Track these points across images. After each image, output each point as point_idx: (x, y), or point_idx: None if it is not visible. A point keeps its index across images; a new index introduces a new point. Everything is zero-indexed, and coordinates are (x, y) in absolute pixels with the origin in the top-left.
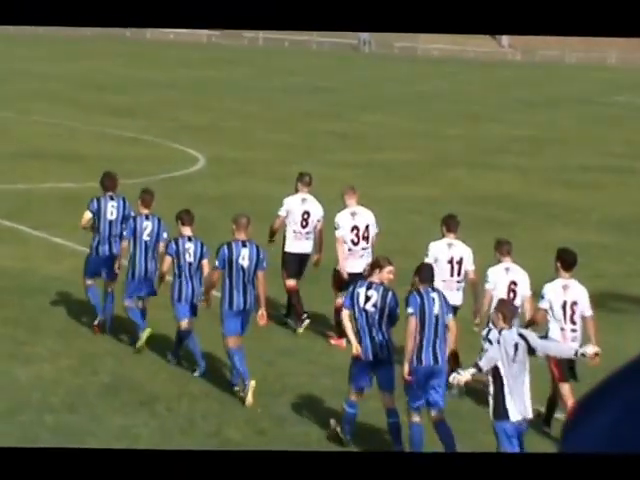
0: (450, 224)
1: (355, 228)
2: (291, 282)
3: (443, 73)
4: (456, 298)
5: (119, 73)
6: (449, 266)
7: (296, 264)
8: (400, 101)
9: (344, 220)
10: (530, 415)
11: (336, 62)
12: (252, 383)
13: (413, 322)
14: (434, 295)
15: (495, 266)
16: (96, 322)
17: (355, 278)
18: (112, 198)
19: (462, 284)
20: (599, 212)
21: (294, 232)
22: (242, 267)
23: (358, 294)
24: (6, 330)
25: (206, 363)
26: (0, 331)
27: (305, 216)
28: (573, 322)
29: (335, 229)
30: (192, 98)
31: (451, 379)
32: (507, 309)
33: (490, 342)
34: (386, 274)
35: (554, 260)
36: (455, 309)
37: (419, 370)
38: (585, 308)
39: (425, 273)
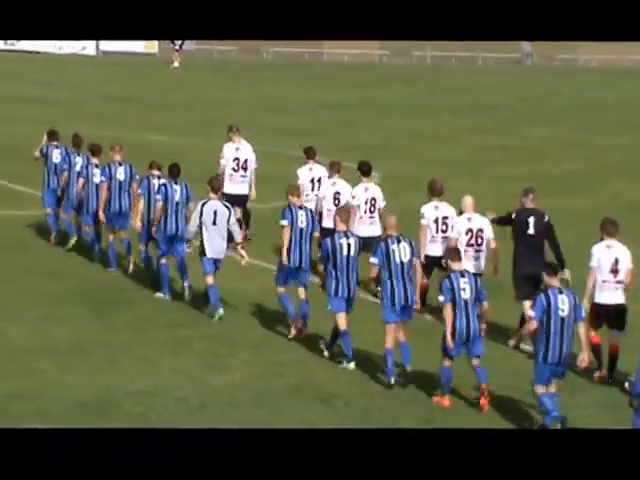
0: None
1: (236, 159)
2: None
3: (603, 84)
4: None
5: (296, 96)
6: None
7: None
8: (563, 114)
9: (229, 152)
10: (222, 256)
11: (500, 77)
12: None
13: None
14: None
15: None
16: (52, 237)
17: (235, 199)
18: (57, 147)
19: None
20: None
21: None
22: (119, 181)
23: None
24: (205, 345)
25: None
26: (200, 346)
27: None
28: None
29: (221, 159)
30: (363, 117)
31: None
32: (215, 183)
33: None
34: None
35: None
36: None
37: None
38: None
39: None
